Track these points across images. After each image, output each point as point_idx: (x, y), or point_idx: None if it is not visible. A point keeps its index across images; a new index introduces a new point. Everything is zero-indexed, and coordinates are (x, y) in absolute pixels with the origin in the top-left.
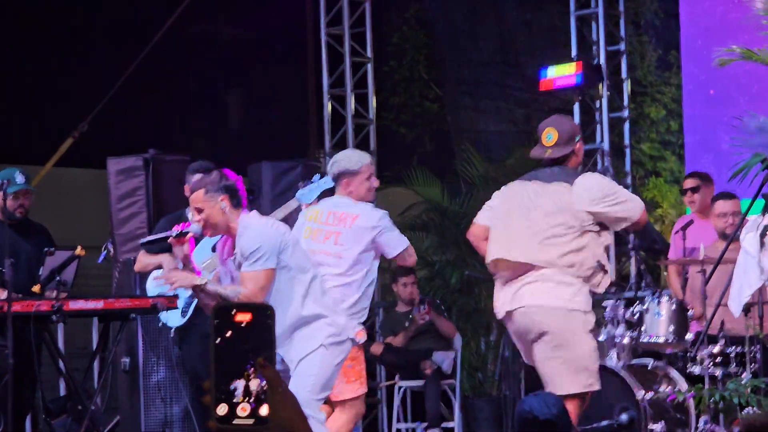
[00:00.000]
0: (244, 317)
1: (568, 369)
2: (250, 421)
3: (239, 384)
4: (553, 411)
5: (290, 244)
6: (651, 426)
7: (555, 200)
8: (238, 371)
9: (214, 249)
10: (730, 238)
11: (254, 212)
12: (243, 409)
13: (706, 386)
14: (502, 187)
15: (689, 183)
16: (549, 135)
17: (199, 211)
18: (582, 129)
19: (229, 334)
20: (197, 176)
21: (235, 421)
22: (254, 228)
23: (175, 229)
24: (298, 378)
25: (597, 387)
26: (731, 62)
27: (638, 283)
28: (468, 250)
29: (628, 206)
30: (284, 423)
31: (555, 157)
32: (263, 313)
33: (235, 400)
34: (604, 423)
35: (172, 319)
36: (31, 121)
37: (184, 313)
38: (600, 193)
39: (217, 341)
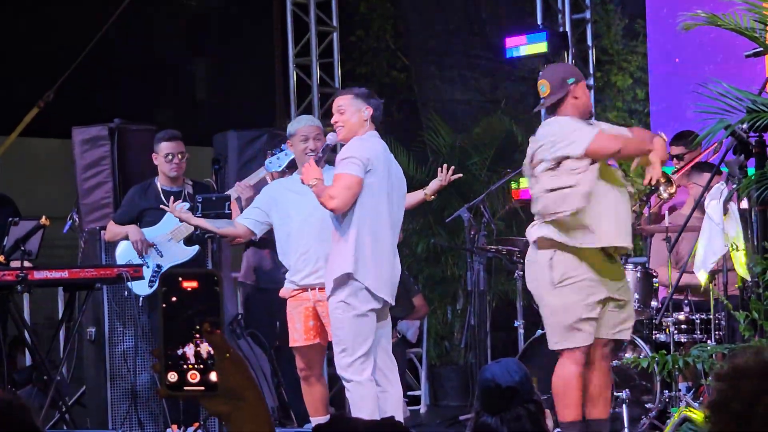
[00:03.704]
0: (190, 284)
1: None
2: (201, 388)
3: (188, 350)
4: (515, 378)
5: (378, 173)
6: (616, 393)
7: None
8: (185, 337)
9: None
10: (694, 205)
11: (375, 133)
12: (192, 376)
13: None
14: None
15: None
16: (542, 87)
17: (341, 113)
18: None
19: (174, 299)
20: (164, 144)
21: (186, 388)
22: (360, 141)
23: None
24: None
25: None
26: (695, 27)
27: None
28: (434, 218)
29: (568, 146)
30: (234, 389)
31: (548, 106)
32: (210, 280)
33: (184, 367)
34: None
35: (140, 288)
36: None
37: (151, 282)
38: (544, 140)
39: (163, 307)
